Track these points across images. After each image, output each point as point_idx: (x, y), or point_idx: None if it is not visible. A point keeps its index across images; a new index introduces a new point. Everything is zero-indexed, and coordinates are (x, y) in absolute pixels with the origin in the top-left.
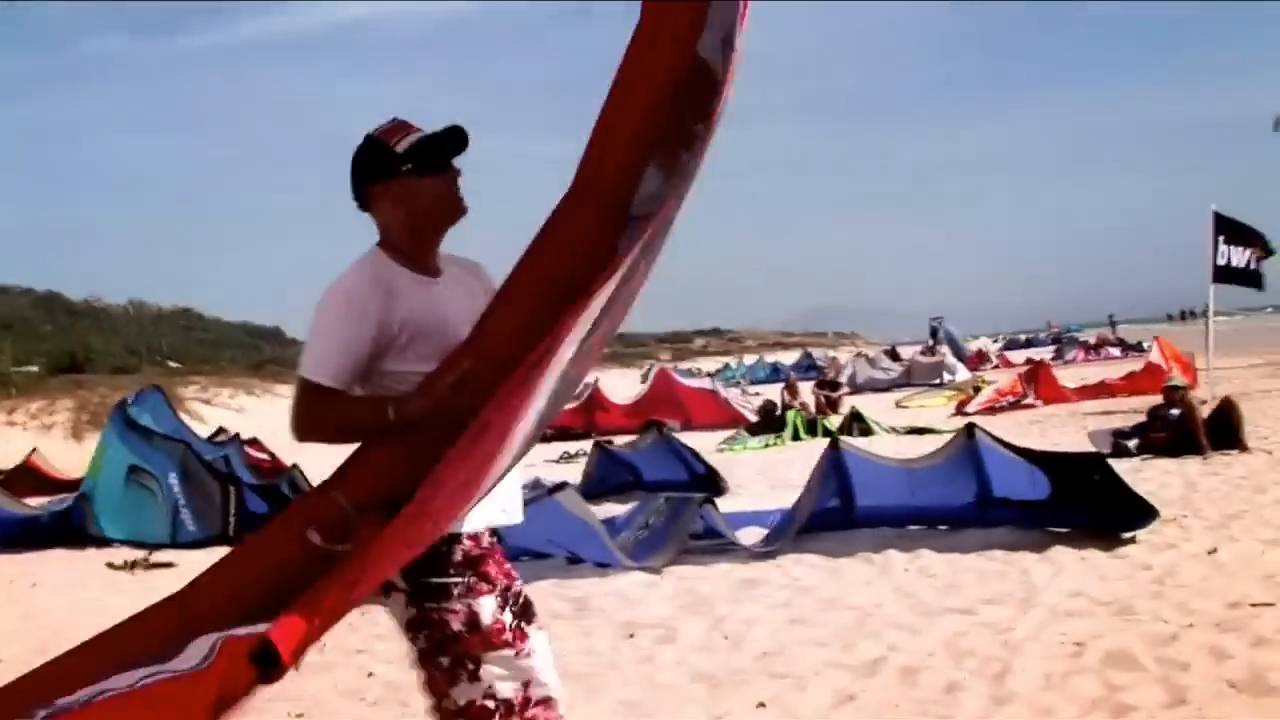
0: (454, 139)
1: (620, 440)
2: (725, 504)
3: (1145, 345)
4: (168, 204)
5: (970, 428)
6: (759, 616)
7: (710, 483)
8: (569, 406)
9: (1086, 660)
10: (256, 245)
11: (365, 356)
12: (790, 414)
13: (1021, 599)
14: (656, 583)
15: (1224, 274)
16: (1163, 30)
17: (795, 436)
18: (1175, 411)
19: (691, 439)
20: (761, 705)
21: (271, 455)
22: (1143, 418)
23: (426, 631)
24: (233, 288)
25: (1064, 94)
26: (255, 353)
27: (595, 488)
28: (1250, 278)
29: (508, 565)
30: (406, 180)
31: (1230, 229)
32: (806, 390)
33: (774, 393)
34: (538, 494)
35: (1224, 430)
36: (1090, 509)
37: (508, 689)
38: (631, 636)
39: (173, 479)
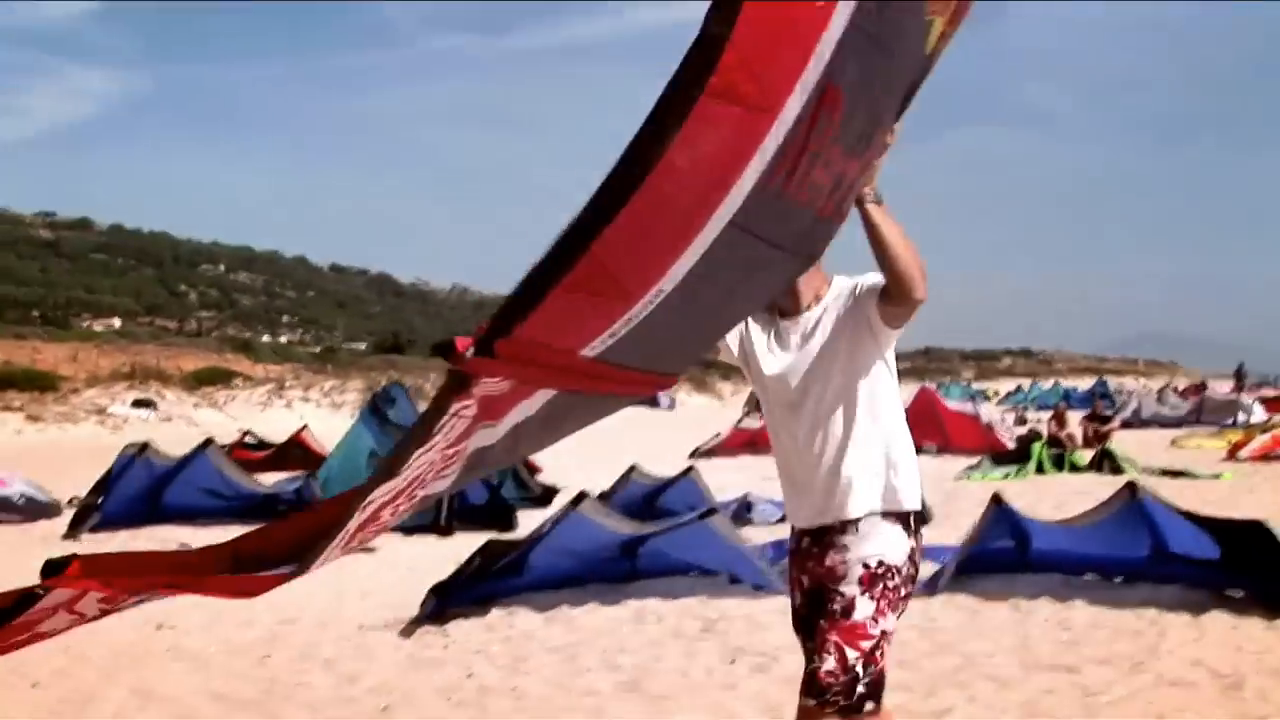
0: None
1: None
2: (926, 535)
3: None
4: (492, 194)
5: (1132, 486)
6: None
7: None
8: None
9: None
10: None
11: None
12: (1035, 446)
13: (1137, 662)
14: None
15: None
16: None
17: (1039, 469)
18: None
19: (944, 463)
20: None
21: None
22: None
23: None
24: None
25: None
26: None
27: None
28: None
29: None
30: None
31: None
32: (1075, 421)
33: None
34: (688, 519)
35: None
36: (1259, 576)
37: None
38: (732, 662)
39: None
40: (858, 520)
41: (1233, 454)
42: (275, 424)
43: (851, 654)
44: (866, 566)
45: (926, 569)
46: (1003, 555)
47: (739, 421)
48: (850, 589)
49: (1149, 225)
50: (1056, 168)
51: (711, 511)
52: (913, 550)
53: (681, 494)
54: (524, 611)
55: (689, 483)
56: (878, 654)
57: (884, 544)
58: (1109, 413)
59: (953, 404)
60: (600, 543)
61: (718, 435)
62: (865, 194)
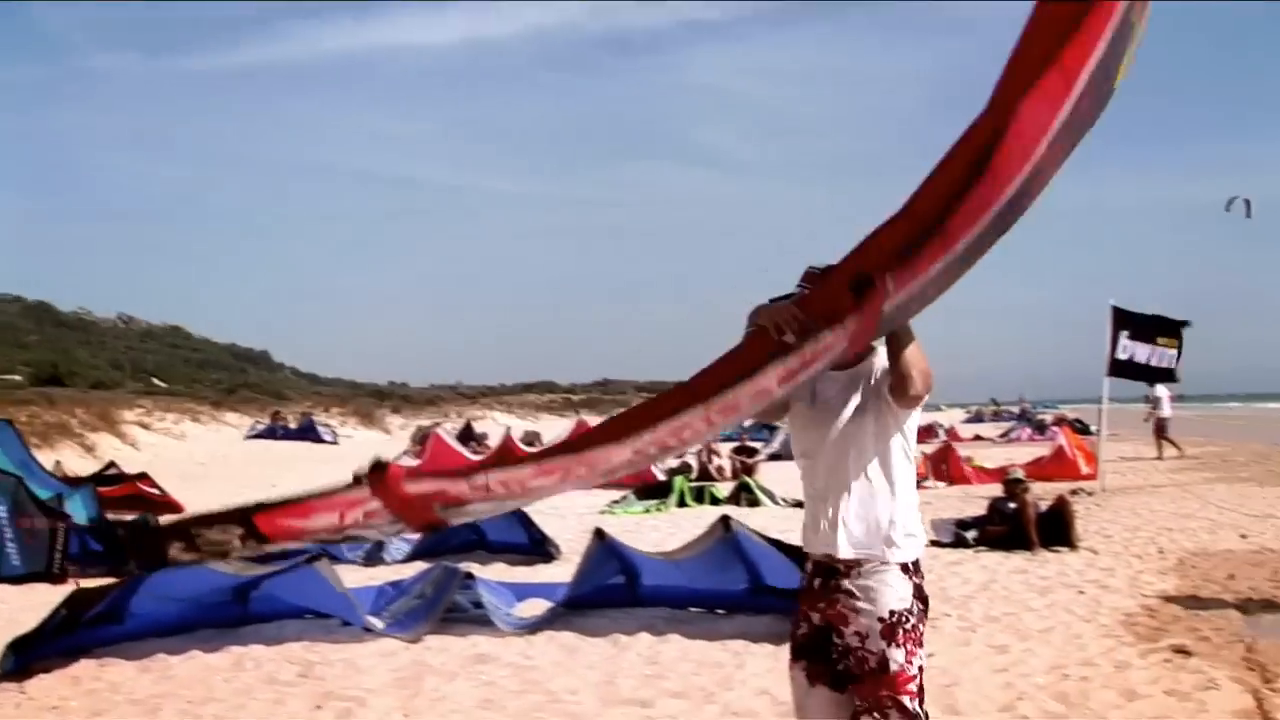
0: None
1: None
2: (551, 572)
3: (1093, 428)
4: (159, 223)
5: (726, 520)
6: (456, 694)
7: (541, 548)
8: (476, 457)
9: None
10: (248, 269)
11: None
12: (676, 480)
13: (709, 694)
14: (399, 652)
15: (1122, 368)
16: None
17: (681, 503)
18: (1013, 505)
19: (594, 497)
20: None
21: (161, 491)
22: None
23: None
24: (222, 310)
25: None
26: (240, 375)
27: (433, 546)
28: (1154, 373)
29: (826, 607)
30: None
31: (1134, 323)
32: (725, 454)
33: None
34: (295, 563)
35: (1057, 527)
36: None
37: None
38: (319, 708)
39: (1, 512)
40: (860, 563)
41: None
42: None
43: (907, 701)
44: (882, 620)
45: (537, 607)
46: (615, 591)
47: (397, 458)
48: (876, 645)
49: (807, 258)
50: (730, 205)
51: (317, 556)
52: (916, 587)
53: None
54: (118, 662)
55: None
56: (922, 688)
57: (890, 595)
58: (756, 445)
59: None
60: (208, 586)
61: None
62: None
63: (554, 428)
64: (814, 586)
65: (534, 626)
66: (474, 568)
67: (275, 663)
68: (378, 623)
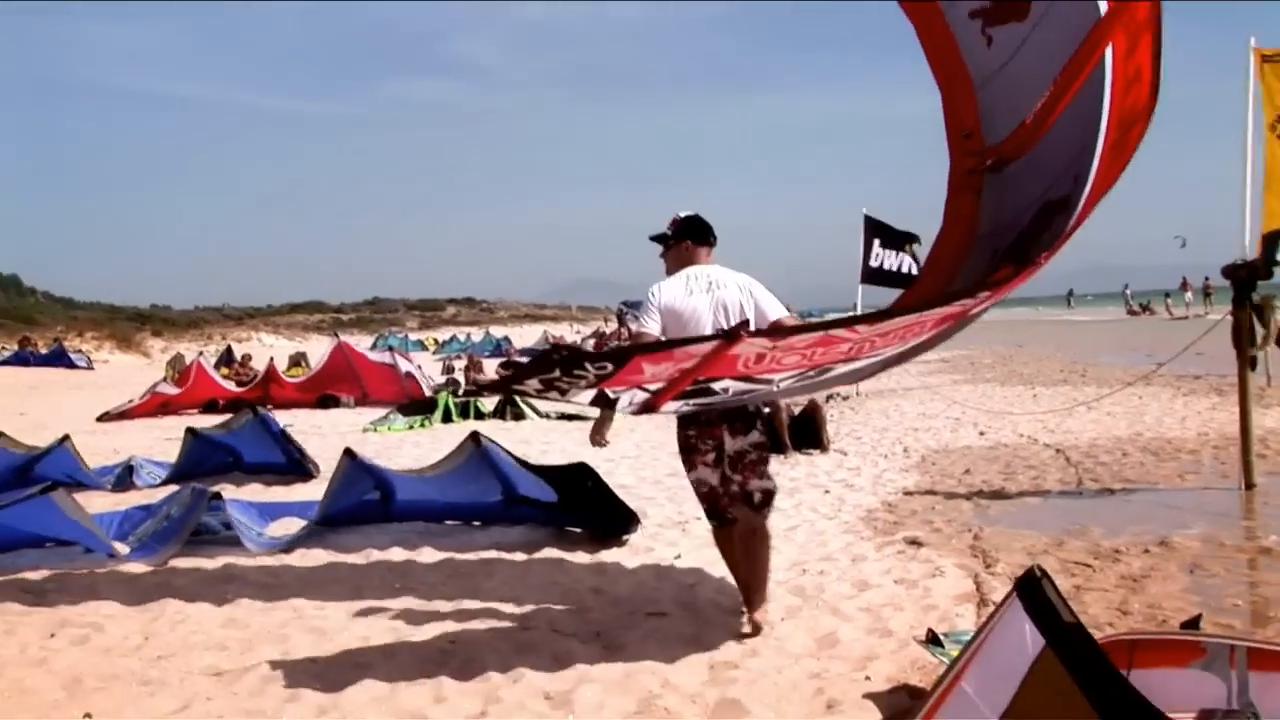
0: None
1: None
2: (309, 490)
3: None
4: None
5: (476, 435)
6: (199, 615)
7: (300, 466)
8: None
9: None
10: None
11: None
12: (441, 395)
13: (453, 601)
14: (143, 576)
15: (874, 275)
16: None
17: (446, 418)
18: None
19: (360, 415)
20: (88, 716)
21: None
22: None
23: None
24: None
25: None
26: None
27: (190, 471)
28: (902, 279)
29: None
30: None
31: (883, 233)
32: (492, 369)
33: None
34: (28, 494)
35: (809, 430)
36: (590, 513)
37: None
38: (52, 636)
39: None
40: None
41: None
42: None
43: None
44: None
45: (291, 526)
46: (369, 508)
47: (155, 386)
48: None
49: (577, 173)
50: (488, 118)
51: (52, 487)
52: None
53: (56, 463)
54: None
55: (63, 452)
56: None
57: None
58: (522, 360)
59: (373, 356)
60: None
61: (130, 401)
62: None
63: (320, 347)
64: None
65: (285, 546)
66: (229, 489)
67: (8, 591)
68: (122, 548)
